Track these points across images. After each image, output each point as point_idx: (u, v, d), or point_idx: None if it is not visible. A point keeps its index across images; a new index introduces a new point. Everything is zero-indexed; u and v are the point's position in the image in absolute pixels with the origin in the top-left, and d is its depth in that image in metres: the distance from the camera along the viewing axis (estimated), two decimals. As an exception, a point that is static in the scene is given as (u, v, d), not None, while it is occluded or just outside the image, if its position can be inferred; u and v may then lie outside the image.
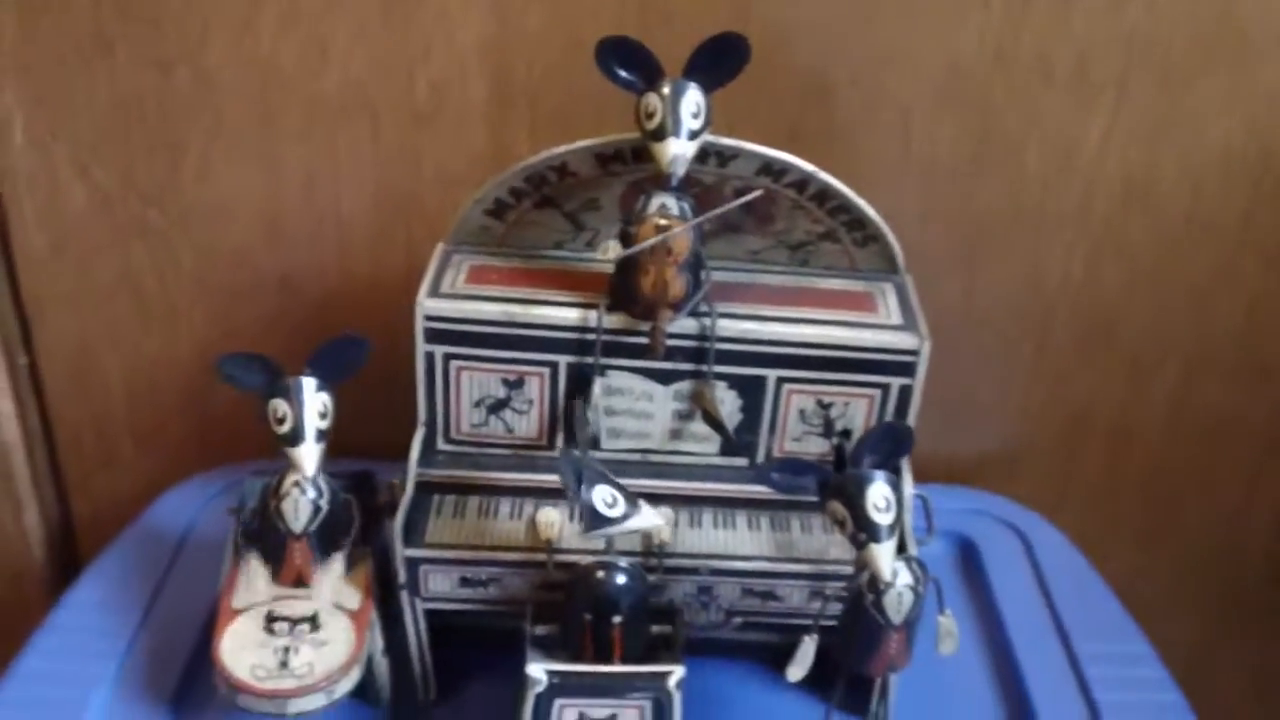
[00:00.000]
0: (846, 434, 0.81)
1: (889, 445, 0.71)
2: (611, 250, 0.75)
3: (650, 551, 0.78)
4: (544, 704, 0.72)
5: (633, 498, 0.73)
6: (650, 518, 0.73)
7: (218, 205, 0.98)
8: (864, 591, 0.72)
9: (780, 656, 0.79)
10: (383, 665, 0.83)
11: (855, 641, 0.73)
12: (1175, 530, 1.15)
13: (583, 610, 0.74)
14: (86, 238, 0.99)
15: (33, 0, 0.90)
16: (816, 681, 0.79)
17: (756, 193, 0.79)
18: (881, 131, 0.96)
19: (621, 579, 0.74)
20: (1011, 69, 0.93)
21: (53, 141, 0.95)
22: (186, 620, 0.88)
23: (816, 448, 0.82)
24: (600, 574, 0.74)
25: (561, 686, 0.72)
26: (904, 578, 0.71)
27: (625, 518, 0.71)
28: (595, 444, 0.82)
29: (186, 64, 0.92)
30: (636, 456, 0.83)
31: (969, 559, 1.02)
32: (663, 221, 0.75)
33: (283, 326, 1.02)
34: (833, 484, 0.71)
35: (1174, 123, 0.95)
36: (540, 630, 0.77)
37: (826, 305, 0.82)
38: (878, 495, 0.69)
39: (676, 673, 0.72)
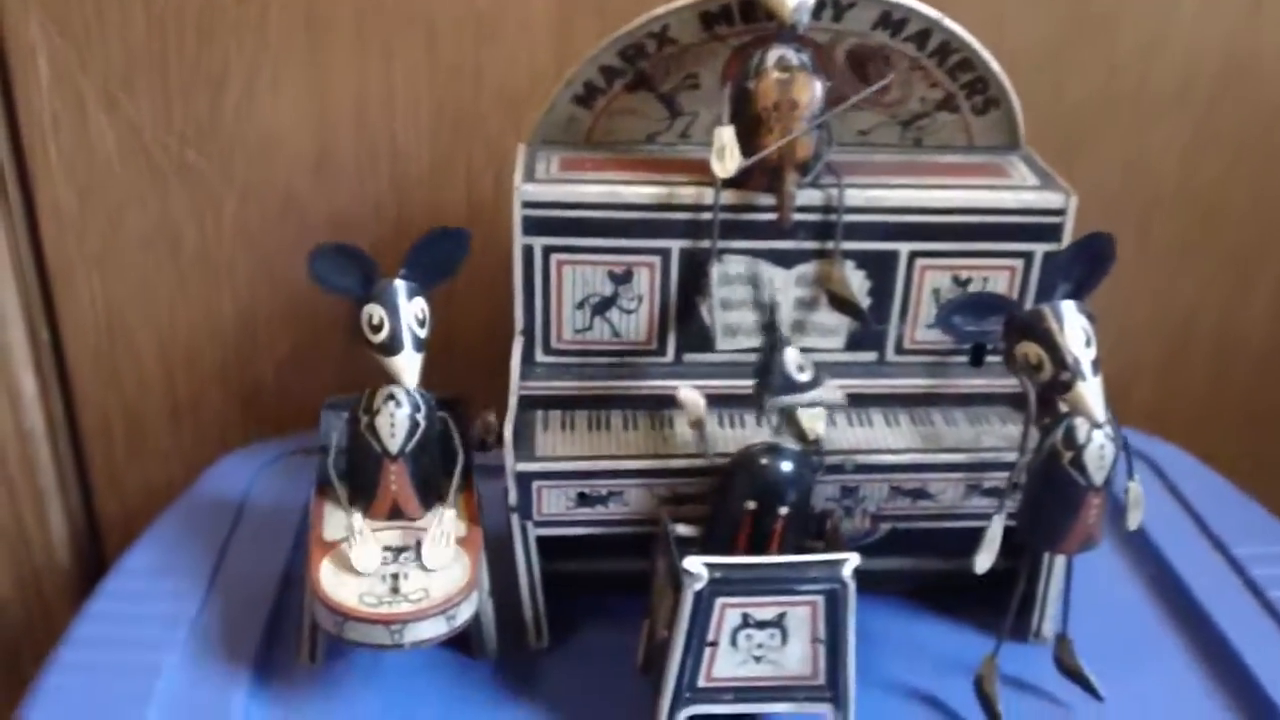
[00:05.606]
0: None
1: (1085, 265, 0.64)
2: (729, 155, 0.69)
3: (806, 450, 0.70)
4: (704, 604, 0.63)
5: (818, 368, 0.67)
6: (833, 392, 0.67)
7: (262, 141, 0.92)
8: (1059, 450, 0.65)
9: (923, 585, 0.78)
10: (488, 608, 0.74)
11: (1047, 513, 0.66)
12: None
13: (745, 498, 0.66)
14: (118, 185, 0.93)
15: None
16: (961, 609, 0.78)
17: (889, 79, 0.75)
18: (973, 21, 0.91)
19: (788, 465, 0.67)
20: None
21: (81, 75, 0.89)
22: (260, 583, 0.80)
23: (951, 334, 0.76)
24: (765, 459, 0.67)
25: (724, 581, 0.63)
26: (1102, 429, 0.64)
27: (812, 385, 0.66)
28: (710, 345, 0.75)
29: (227, -23, 0.87)
30: (755, 357, 0.75)
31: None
32: (783, 74, 0.69)
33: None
34: (1022, 320, 0.64)
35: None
36: (683, 531, 0.69)
37: (953, 174, 0.76)
38: (1076, 326, 0.62)
39: (852, 560, 0.64)
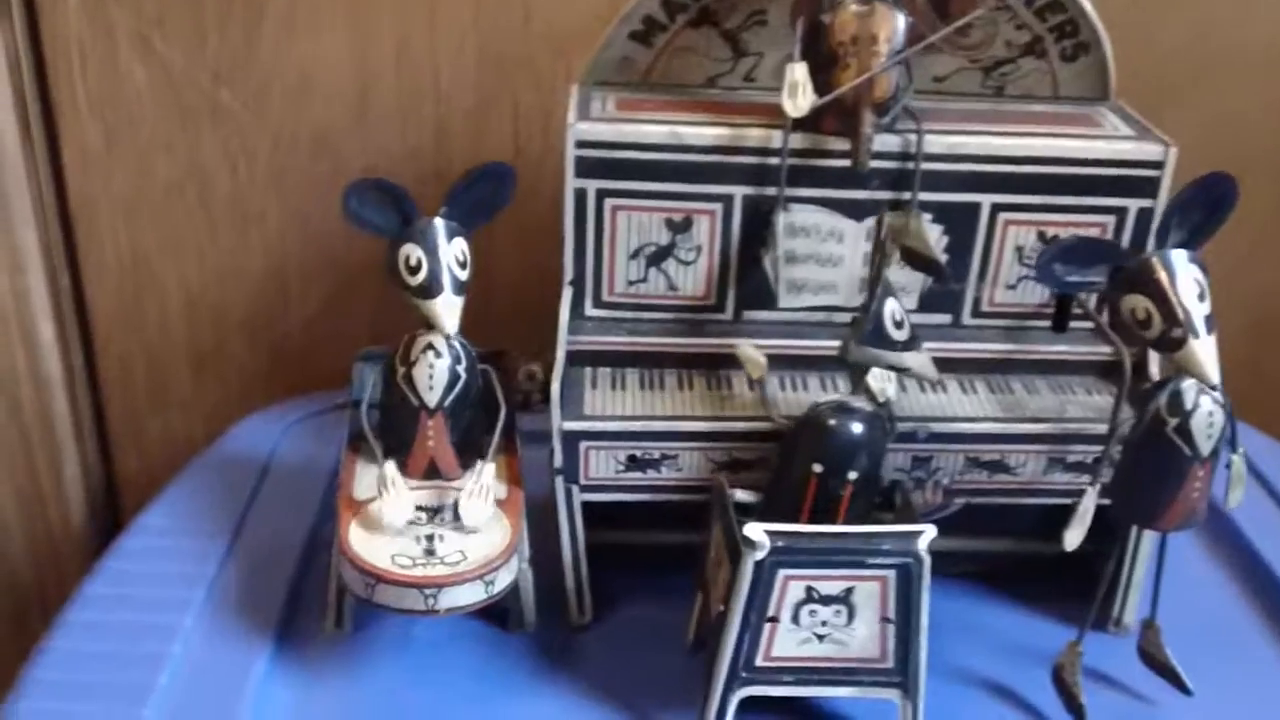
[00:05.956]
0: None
1: (1202, 211, 0.57)
2: (802, 92, 0.63)
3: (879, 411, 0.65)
4: (765, 576, 0.58)
5: (917, 333, 0.62)
6: (926, 363, 0.62)
7: (299, 81, 0.87)
8: (1163, 417, 0.59)
9: (991, 567, 0.73)
10: (528, 577, 0.69)
11: (1146, 487, 0.60)
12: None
13: (811, 461, 0.61)
14: (147, 126, 0.88)
15: None
16: (1030, 594, 0.74)
17: (977, 11, 0.69)
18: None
19: (859, 427, 0.61)
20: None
21: (112, 7, 0.84)
22: (284, 546, 0.76)
23: (1035, 297, 0.70)
24: (834, 419, 0.61)
25: (788, 551, 0.58)
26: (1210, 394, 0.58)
27: (905, 347, 0.61)
28: (772, 301, 0.69)
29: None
30: (820, 316, 0.71)
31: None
32: (862, 6, 0.64)
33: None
34: (1133, 269, 0.58)
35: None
36: (741, 496, 0.64)
37: (1040, 123, 0.70)
38: (1189, 278, 0.56)
39: (928, 532, 0.59)
